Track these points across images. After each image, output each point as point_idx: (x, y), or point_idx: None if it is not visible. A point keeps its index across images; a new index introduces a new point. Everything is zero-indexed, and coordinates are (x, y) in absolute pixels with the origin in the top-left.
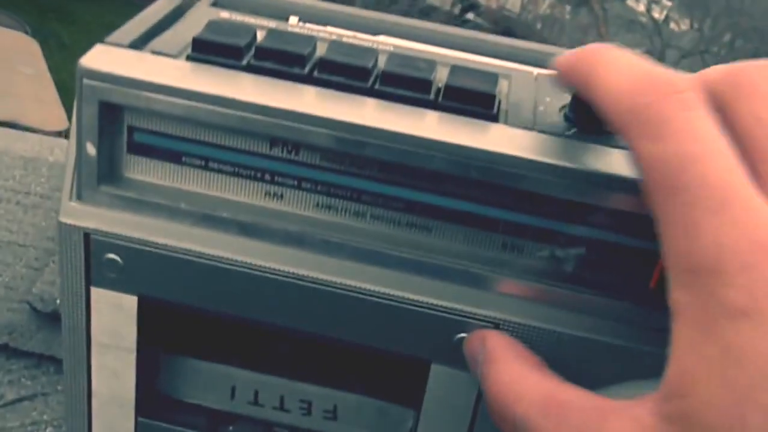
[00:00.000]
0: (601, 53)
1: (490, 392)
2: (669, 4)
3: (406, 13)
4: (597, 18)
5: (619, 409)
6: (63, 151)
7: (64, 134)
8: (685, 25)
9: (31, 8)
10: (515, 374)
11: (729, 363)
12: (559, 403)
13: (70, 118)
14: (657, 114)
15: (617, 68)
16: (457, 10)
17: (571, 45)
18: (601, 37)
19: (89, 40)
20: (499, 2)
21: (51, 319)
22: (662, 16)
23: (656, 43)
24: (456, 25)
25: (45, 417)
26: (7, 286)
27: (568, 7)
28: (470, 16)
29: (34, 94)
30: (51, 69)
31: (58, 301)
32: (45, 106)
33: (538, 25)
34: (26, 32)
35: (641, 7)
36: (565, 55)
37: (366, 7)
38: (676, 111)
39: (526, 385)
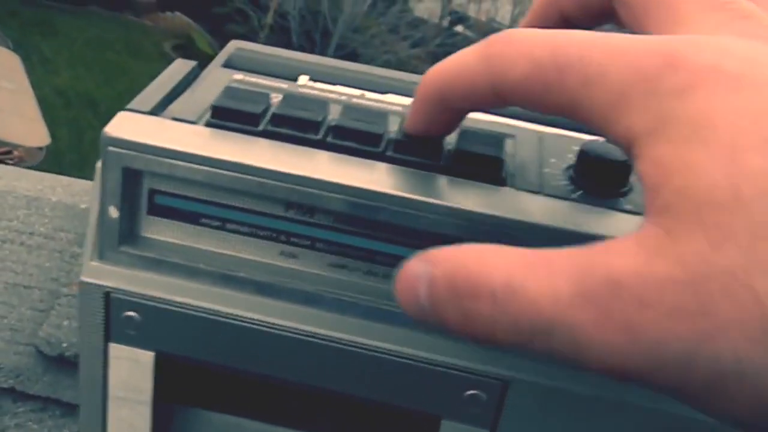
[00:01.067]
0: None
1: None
2: None
3: (394, 26)
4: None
5: (616, 244)
6: (65, 191)
7: (44, 149)
8: None
9: (12, 22)
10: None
11: (700, 136)
12: (545, 257)
13: (51, 132)
14: None
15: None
16: (445, 23)
17: None
18: None
19: (71, 54)
20: (488, 14)
21: (57, 362)
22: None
23: None
24: (445, 37)
25: None
26: (13, 328)
27: None
28: (459, 28)
29: (16, 109)
30: (33, 84)
31: (64, 345)
32: (26, 122)
33: None
34: (8, 47)
35: None
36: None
37: (355, 18)
38: None
39: (497, 258)
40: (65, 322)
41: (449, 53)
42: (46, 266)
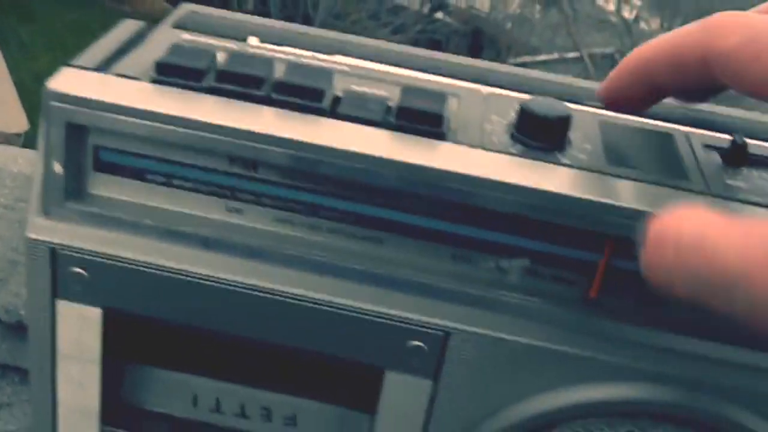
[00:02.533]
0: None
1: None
2: (639, 3)
3: (375, 12)
4: (567, 17)
5: None
6: (27, 162)
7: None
8: (655, 24)
9: None
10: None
11: None
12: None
13: (30, 119)
14: None
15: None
16: (425, 10)
17: (541, 44)
18: (570, 37)
19: (50, 39)
20: (468, 1)
21: (16, 329)
22: (632, 16)
23: (626, 43)
24: (425, 24)
25: (10, 427)
26: None
27: (538, 7)
28: (439, 15)
29: None
30: (10, 69)
31: (22, 312)
32: (4, 108)
33: (508, 25)
34: None
35: (611, 7)
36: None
37: (332, 6)
38: None
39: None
40: (23, 290)
41: (429, 39)
42: (6, 236)
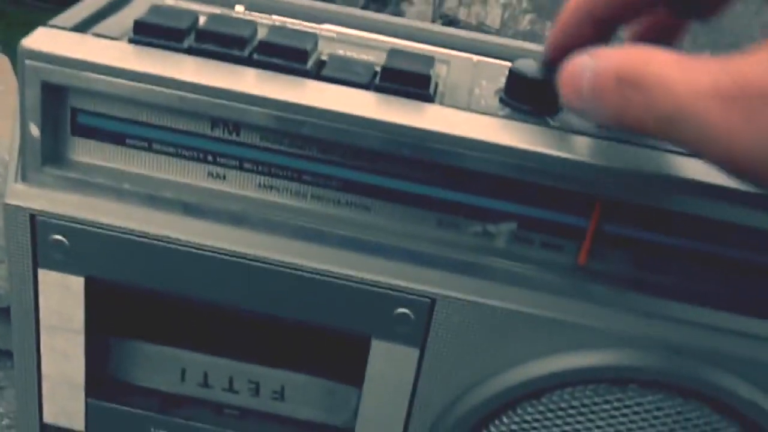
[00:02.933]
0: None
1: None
2: None
3: None
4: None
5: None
6: None
7: None
8: None
9: (0, 23)
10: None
11: None
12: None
13: None
14: None
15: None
16: None
17: None
18: None
19: None
20: (478, 18)
21: (7, 314)
22: None
23: None
24: None
25: (1, 409)
26: None
27: (548, 23)
28: None
29: (5, 110)
30: None
31: None
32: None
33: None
34: None
35: None
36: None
37: None
38: None
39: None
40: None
41: None
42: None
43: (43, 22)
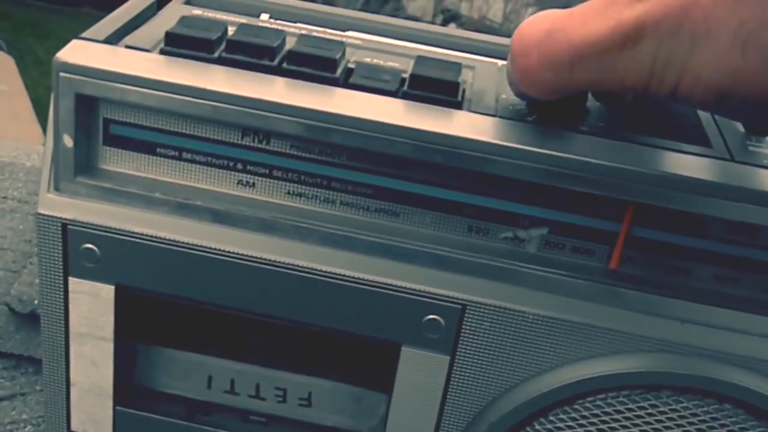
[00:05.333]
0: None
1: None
2: None
3: None
4: None
5: None
6: (40, 156)
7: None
8: None
9: (6, 24)
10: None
11: None
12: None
13: (45, 133)
14: None
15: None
16: (439, 21)
17: None
18: None
19: None
20: (480, 12)
21: (29, 320)
22: None
23: None
24: None
25: (24, 416)
26: None
27: None
28: (452, 26)
29: (10, 110)
30: (27, 85)
31: (36, 302)
32: (21, 123)
33: None
34: (1, 48)
35: None
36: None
37: None
38: None
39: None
40: (37, 281)
41: None
42: (20, 228)
43: (47, 22)
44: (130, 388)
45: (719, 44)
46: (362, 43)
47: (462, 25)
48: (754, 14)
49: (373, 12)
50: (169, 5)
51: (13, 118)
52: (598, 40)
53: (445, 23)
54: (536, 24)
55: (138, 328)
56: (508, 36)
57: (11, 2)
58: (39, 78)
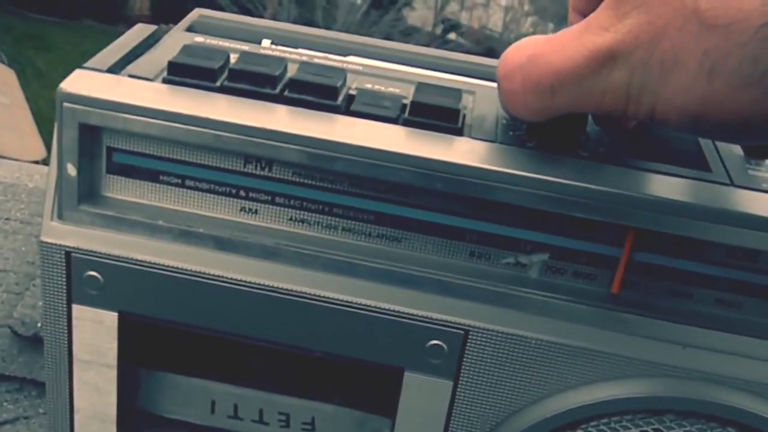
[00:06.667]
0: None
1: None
2: None
3: (388, 34)
4: None
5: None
6: (42, 178)
7: (41, 162)
8: None
9: (6, 37)
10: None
11: None
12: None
13: (47, 146)
14: None
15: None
16: (438, 31)
17: None
18: None
19: (66, 68)
20: (480, 22)
21: (32, 342)
22: None
23: None
24: (438, 45)
25: None
26: None
27: (551, 25)
28: (452, 36)
29: (11, 123)
30: (28, 98)
31: (39, 325)
32: (22, 136)
33: None
34: (2, 61)
35: None
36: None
37: (348, 27)
38: None
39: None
40: (40, 303)
41: None
42: (22, 250)
43: (48, 35)
44: (133, 413)
45: (688, 72)
46: (363, 69)
47: (462, 35)
48: (718, 44)
49: (373, 22)
50: (171, 32)
51: (14, 130)
52: (576, 66)
53: (444, 33)
54: (519, 50)
55: (141, 354)
56: (508, 46)
57: (12, 15)
58: (40, 91)
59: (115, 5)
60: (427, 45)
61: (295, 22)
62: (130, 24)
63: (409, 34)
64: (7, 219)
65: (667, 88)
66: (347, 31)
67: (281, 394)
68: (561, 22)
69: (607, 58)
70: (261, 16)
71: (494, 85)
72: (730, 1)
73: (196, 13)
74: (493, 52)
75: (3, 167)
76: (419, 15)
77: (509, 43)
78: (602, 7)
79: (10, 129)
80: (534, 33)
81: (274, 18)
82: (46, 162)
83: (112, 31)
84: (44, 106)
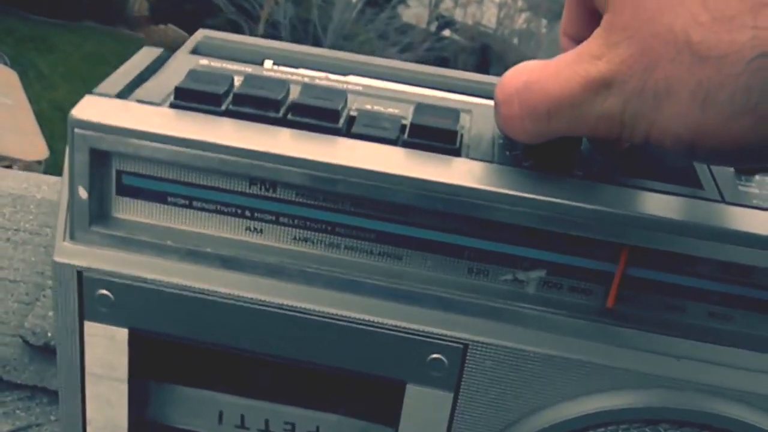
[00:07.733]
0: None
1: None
2: None
3: (383, 32)
4: None
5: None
6: (50, 188)
7: (44, 163)
8: None
9: (8, 39)
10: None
11: None
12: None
13: (50, 146)
14: None
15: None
16: (433, 28)
17: (548, 58)
18: None
19: (68, 69)
20: (474, 19)
21: (43, 351)
22: None
23: None
24: (433, 42)
25: None
26: (0, 321)
27: (544, 21)
28: (447, 32)
29: (14, 124)
30: (30, 99)
31: (49, 334)
32: (25, 136)
33: (515, 40)
34: (5, 63)
35: None
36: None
37: (344, 24)
38: None
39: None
40: (50, 313)
41: (437, 57)
42: (32, 261)
43: (50, 37)
44: (144, 425)
45: (681, 101)
46: (363, 89)
47: (456, 32)
48: (710, 75)
49: (368, 20)
50: (176, 55)
51: (17, 131)
52: (570, 93)
53: (439, 30)
54: (516, 75)
55: (151, 368)
56: (504, 41)
57: (14, 17)
58: (42, 92)
59: (114, 7)
60: (422, 42)
61: (291, 21)
62: (129, 24)
63: (404, 32)
64: (16, 230)
65: (661, 116)
66: (342, 29)
67: (287, 404)
68: (554, 18)
69: (601, 86)
70: (258, 15)
71: (490, 102)
72: (722, 33)
73: (200, 34)
74: (488, 48)
75: (11, 178)
76: (414, 12)
77: (503, 39)
78: (593, 35)
79: (13, 129)
80: (528, 29)
81: (270, 17)
82: (48, 162)
83: (112, 31)
84: (46, 107)
